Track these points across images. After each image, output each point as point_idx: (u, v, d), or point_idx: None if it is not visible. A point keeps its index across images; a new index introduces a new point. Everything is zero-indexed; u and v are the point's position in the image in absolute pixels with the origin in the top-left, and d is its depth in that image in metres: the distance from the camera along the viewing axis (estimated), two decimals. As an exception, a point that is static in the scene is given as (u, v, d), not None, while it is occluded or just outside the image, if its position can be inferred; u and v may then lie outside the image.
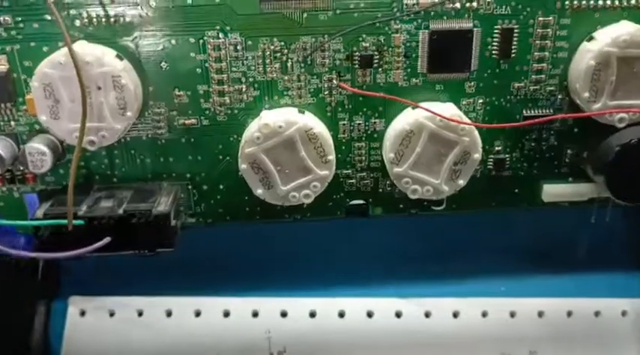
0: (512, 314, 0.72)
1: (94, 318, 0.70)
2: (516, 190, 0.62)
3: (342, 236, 0.69)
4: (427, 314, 0.71)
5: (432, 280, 0.72)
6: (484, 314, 0.71)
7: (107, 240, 0.53)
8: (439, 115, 0.53)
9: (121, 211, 0.55)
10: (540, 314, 0.72)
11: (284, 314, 0.71)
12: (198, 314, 0.70)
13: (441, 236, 0.70)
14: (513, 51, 0.56)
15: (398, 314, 0.71)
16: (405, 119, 0.55)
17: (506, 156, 0.60)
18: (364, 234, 0.69)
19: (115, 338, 0.70)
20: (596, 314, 0.72)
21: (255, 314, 0.70)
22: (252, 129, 0.54)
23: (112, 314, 0.70)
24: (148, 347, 0.70)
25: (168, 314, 0.70)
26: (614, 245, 0.71)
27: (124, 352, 0.70)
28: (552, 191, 0.62)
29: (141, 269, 0.66)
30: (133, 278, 0.68)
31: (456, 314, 0.71)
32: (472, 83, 0.57)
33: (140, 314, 0.70)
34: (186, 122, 0.56)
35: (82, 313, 0.69)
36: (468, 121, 0.55)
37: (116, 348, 0.70)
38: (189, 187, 0.60)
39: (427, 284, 0.72)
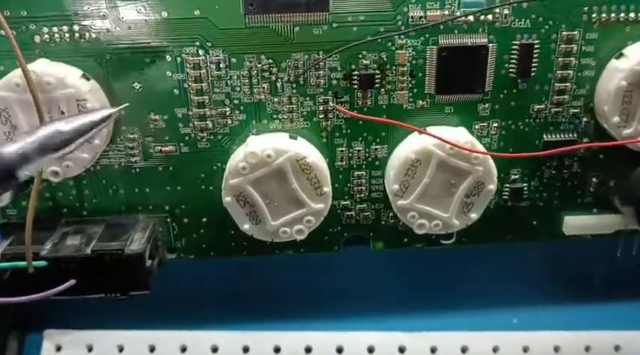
0: (526, 349, 0.65)
1: (70, 354, 0.64)
2: (534, 222, 0.56)
3: (340, 266, 0.63)
4: (433, 350, 0.65)
5: (438, 312, 0.66)
6: (495, 350, 0.65)
7: (71, 282, 0.48)
8: (449, 143, 0.47)
9: (88, 251, 0.49)
10: (556, 349, 0.65)
11: (277, 350, 0.64)
12: (184, 349, 0.64)
13: (449, 266, 0.64)
14: (533, 69, 0.50)
15: (401, 350, 0.65)
16: (411, 146, 0.49)
17: (524, 185, 0.54)
18: (364, 264, 0.64)
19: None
20: (617, 348, 0.66)
21: (245, 350, 0.64)
22: (238, 157, 0.48)
23: (90, 349, 0.64)
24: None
25: (152, 349, 0.64)
26: (635, 276, 0.64)
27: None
28: (574, 223, 0.56)
29: (121, 301, 0.58)
30: (113, 310, 0.62)
31: (464, 349, 0.65)
32: (486, 105, 0.51)
33: (121, 349, 0.64)
34: (164, 149, 0.51)
35: (58, 348, 0.64)
36: (482, 149, 0.48)
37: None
38: (168, 220, 0.54)
39: (433, 316, 0.66)
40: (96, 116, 0.39)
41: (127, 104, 0.44)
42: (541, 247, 0.61)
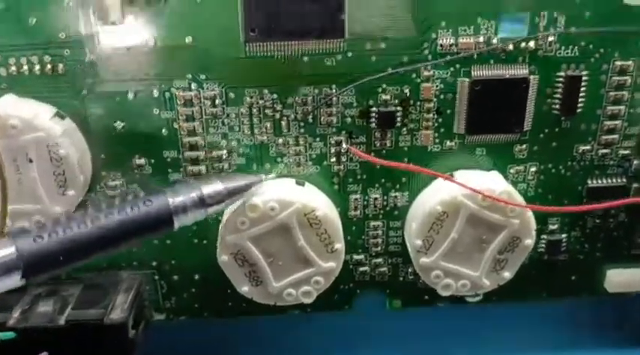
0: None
1: None
2: (573, 277, 0.49)
3: (351, 326, 0.55)
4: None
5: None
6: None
7: None
8: (483, 194, 0.41)
9: (62, 321, 0.42)
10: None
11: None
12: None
13: (474, 327, 0.56)
14: (580, 104, 0.43)
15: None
16: (437, 196, 0.42)
17: (563, 236, 0.46)
18: (379, 324, 0.55)
19: None
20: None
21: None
22: (236, 210, 0.42)
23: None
24: None
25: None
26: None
27: None
28: (619, 278, 0.50)
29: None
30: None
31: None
32: (524, 146, 0.44)
33: None
34: None
35: None
36: (521, 199, 0.41)
37: None
38: (156, 278, 0.48)
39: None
40: (249, 179, 0.40)
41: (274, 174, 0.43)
42: (580, 305, 0.53)
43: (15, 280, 0.34)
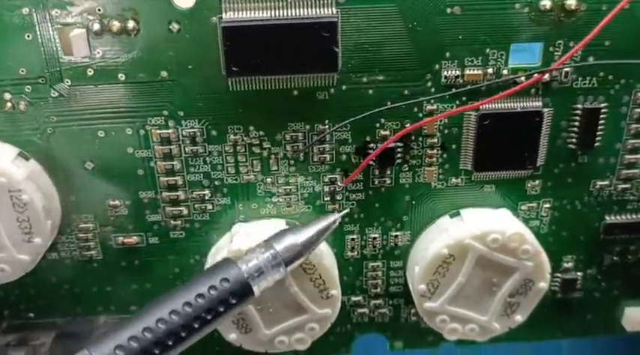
0: None
1: None
2: (589, 316, 0.45)
3: None
4: None
5: None
6: None
7: None
8: (494, 235, 0.38)
9: None
10: None
11: None
12: None
13: None
14: (598, 138, 0.38)
15: None
16: (443, 238, 0.39)
17: (578, 274, 0.42)
18: None
19: None
20: None
21: None
22: (221, 254, 0.38)
23: None
24: None
25: None
26: None
27: None
28: (638, 316, 0.46)
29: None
30: None
31: None
32: (537, 182, 0.40)
33: None
34: (126, 240, 0.42)
35: None
36: (533, 239, 0.38)
37: None
38: (136, 323, 0.41)
39: None
40: (322, 224, 0.36)
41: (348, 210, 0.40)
42: (595, 344, 0.49)
43: None
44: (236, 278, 0.34)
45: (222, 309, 0.33)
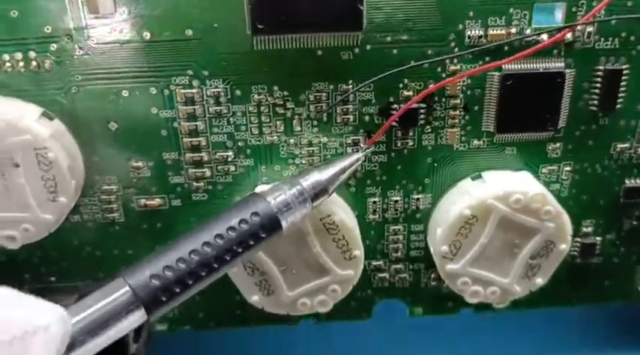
0: None
1: None
2: (607, 282, 0.46)
3: (368, 337, 0.52)
4: None
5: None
6: None
7: None
8: (516, 196, 0.38)
9: None
10: None
11: None
12: None
13: (499, 334, 0.52)
14: (619, 100, 0.38)
15: None
16: (465, 199, 0.38)
17: (597, 239, 0.42)
18: (398, 334, 0.52)
19: None
20: None
21: None
22: None
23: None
24: None
25: None
26: None
27: None
28: (655, 282, 0.45)
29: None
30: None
31: None
32: (557, 145, 0.40)
33: None
34: (149, 203, 0.41)
35: None
36: (554, 202, 0.38)
37: None
38: (157, 286, 0.42)
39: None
40: (346, 161, 0.37)
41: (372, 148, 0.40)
42: (612, 311, 0.50)
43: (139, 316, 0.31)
44: (265, 212, 0.34)
45: (252, 242, 0.34)
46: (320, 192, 0.36)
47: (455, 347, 0.51)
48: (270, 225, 0.34)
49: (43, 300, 0.28)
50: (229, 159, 0.40)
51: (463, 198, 0.40)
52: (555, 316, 0.50)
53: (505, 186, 0.39)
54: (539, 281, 0.42)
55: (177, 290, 0.32)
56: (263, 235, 0.34)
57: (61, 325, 0.28)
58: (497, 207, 0.39)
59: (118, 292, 0.31)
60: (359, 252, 0.40)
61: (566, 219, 0.40)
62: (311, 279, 0.41)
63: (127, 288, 0.31)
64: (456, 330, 0.50)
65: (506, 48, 0.38)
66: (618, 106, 0.40)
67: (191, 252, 0.32)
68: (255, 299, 0.41)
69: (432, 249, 0.42)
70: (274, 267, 0.40)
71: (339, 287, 0.41)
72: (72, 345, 0.29)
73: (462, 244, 0.40)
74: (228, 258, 0.33)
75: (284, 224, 0.35)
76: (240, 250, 0.33)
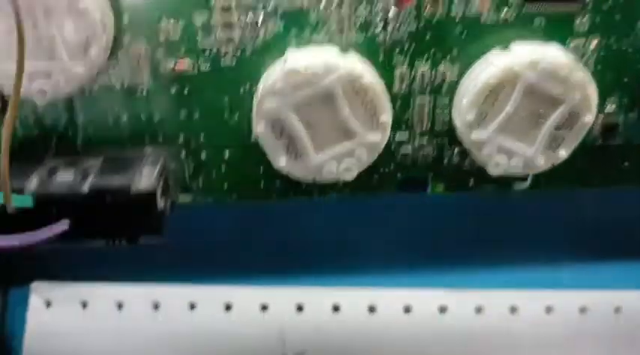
0: (583, 310, 0.56)
1: (62, 310, 0.56)
2: (626, 163, 0.46)
3: (374, 213, 0.54)
4: (478, 309, 0.56)
5: (486, 268, 0.57)
6: (548, 310, 0.56)
7: (64, 226, 0.39)
8: (544, 64, 0.39)
9: (85, 188, 0.40)
10: (617, 309, 0.56)
11: (300, 308, 0.56)
12: (192, 306, 0.56)
13: (514, 214, 0.54)
14: (650, -26, 0.39)
15: (442, 309, 0.56)
16: (492, 66, 0.38)
17: (620, 118, 0.43)
18: (401, 211, 0.54)
19: (88, 337, 0.56)
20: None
21: (264, 308, 0.56)
22: (275, 76, 0.39)
23: (84, 305, 0.56)
24: (129, 348, 0.56)
25: (155, 306, 0.56)
26: None
27: (100, 353, 0.56)
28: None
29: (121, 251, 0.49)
30: (112, 261, 0.53)
31: (513, 310, 0.56)
32: (585, 18, 0.40)
33: (120, 306, 0.56)
34: (178, 67, 0.41)
35: (48, 304, 0.56)
36: (584, 75, 0.38)
37: (90, 348, 0.56)
38: (183, 155, 0.45)
39: (480, 272, 0.57)
40: None
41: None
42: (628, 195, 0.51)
43: None
44: None
45: None
46: None
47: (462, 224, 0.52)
48: None
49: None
50: (259, 23, 0.41)
51: (490, 67, 0.41)
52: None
53: (533, 54, 0.40)
54: (563, 153, 0.43)
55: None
56: None
57: None
58: (525, 74, 0.40)
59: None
60: (387, 116, 0.41)
61: (592, 89, 0.41)
62: (338, 142, 0.41)
63: None
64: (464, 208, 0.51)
65: None
66: (649, -21, 0.40)
67: None
68: (282, 162, 0.42)
69: (457, 123, 0.43)
70: (302, 129, 0.40)
71: (365, 153, 0.42)
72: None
73: (488, 113, 0.41)
74: None
75: None
76: None
